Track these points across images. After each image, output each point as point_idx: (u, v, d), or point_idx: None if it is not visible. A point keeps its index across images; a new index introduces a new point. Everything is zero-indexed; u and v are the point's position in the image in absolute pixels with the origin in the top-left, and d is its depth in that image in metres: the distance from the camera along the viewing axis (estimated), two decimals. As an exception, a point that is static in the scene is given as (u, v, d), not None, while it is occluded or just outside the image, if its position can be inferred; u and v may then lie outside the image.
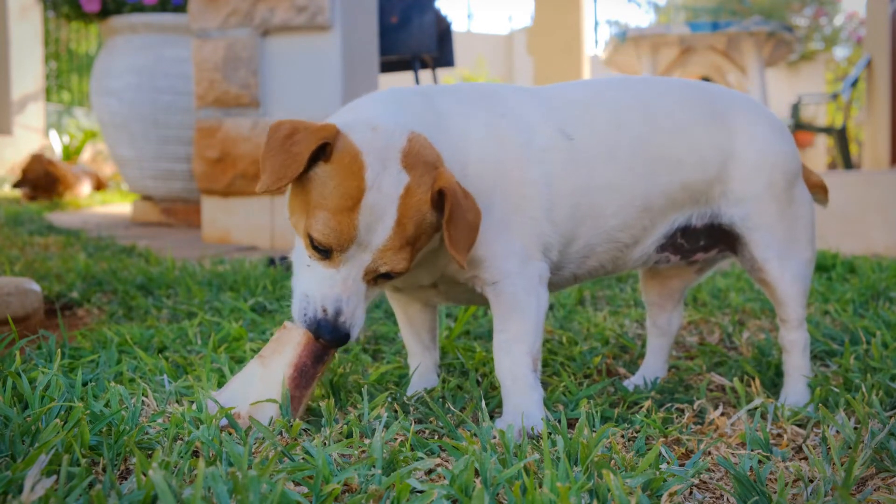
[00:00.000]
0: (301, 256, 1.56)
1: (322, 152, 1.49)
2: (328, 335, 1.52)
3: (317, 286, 1.53)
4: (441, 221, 1.55)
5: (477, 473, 1.35)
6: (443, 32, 6.23)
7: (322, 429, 1.56)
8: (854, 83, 8.75)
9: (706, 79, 8.90)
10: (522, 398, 1.65)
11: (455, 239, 1.49)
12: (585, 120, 1.76)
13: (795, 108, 9.98)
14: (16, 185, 8.49)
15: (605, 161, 1.74)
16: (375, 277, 1.54)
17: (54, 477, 1.17)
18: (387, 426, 1.57)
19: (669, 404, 1.83)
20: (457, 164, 1.60)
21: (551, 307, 2.92)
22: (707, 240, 1.90)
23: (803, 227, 1.87)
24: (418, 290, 1.80)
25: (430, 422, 1.65)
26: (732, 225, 1.84)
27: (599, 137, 1.75)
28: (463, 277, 1.71)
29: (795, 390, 1.88)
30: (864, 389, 1.78)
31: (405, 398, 1.78)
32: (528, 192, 1.67)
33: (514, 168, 1.67)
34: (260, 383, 1.60)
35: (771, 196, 1.82)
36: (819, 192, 2.00)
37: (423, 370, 1.94)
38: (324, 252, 1.50)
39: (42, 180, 8.48)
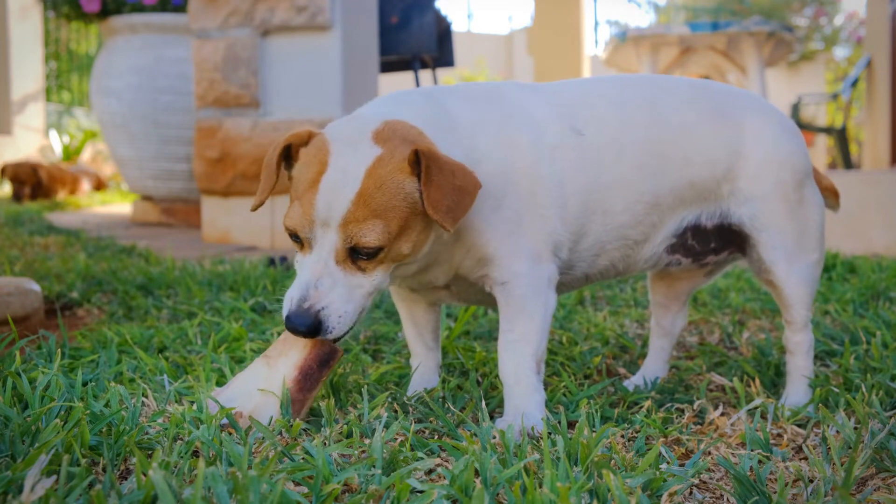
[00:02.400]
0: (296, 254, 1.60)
1: (292, 155, 1.57)
2: (292, 324, 1.49)
3: (295, 280, 1.55)
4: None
5: (477, 473, 1.35)
6: (443, 32, 6.23)
7: (322, 429, 1.56)
8: (854, 83, 8.75)
9: (706, 78, 8.90)
10: (524, 399, 1.65)
11: (434, 199, 1.45)
12: (594, 117, 1.76)
13: (795, 108, 9.98)
14: (15, 198, 8.47)
15: (615, 158, 1.74)
16: (352, 256, 1.50)
17: (54, 477, 1.17)
18: (387, 426, 1.56)
19: (669, 404, 1.83)
20: (467, 164, 1.60)
21: (551, 307, 2.92)
22: (717, 241, 1.89)
23: (813, 228, 1.85)
24: (432, 290, 1.80)
25: (430, 422, 1.65)
26: (741, 225, 1.84)
27: (608, 134, 1.75)
28: (473, 276, 1.71)
29: (797, 391, 1.88)
30: (864, 389, 1.78)
31: (405, 398, 1.78)
32: (539, 189, 1.67)
33: (525, 166, 1.67)
34: (264, 384, 1.60)
35: (780, 195, 1.81)
36: (829, 195, 1.98)
37: (424, 370, 1.93)
38: (296, 239, 1.53)
39: (29, 179, 8.46)
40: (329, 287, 1.50)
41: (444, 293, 1.81)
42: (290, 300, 1.52)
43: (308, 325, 1.49)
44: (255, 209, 1.56)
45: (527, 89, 1.79)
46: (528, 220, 1.66)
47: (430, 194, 1.46)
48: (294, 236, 1.53)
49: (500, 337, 1.70)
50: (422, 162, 1.47)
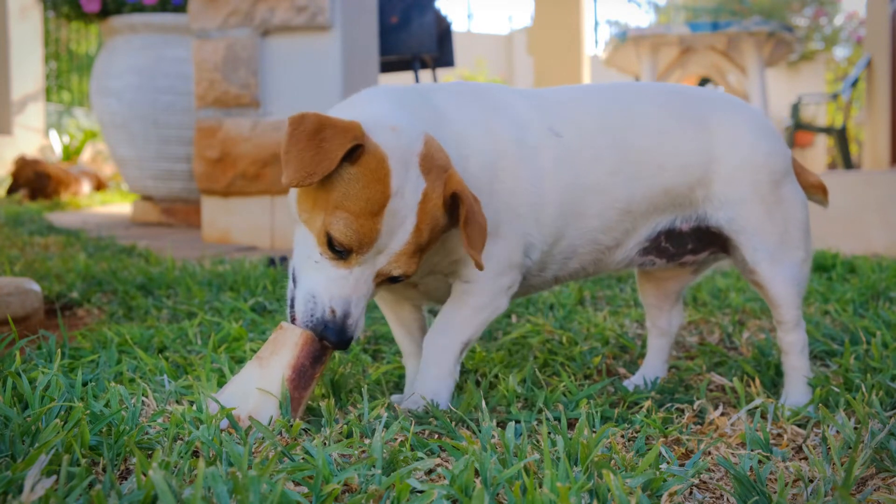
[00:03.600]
0: (309, 252, 1.55)
1: (351, 152, 1.48)
2: (334, 337, 1.52)
3: (325, 286, 1.52)
4: (448, 224, 1.57)
5: (477, 473, 1.35)
6: (443, 32, 6.23)
7: (322, 429, 1.56)
8: (854, 83, 8.75)
9: (706, 79, 8.90)
10: (436, 382, 1.71)
11: (472, 239, 1.51)
12: (573, 120, 1.78)
13: (795, 108, 9.98)
14: (10, 192, 8.49)
15: (591, 162, 1.76)
16: (382, 280, 1.56)
17: (54, 477, 1.17)
18: (387, 426, 1.56)
19: (669, 404, 1.83)
20: (458, 160, 1.62)
21: (551, 307, 2.92)
22: (695, 243, 1.89)
23: (795, 227, 1.84)
24: (399, 286, 1.80)
25: (430, 422, 1.65)
26: (720, 228, 1.83)
27: (586, 138, 1.77)
28: (446, 270, 1.73)
29: (796, 390, 1.88)
30: (863, 389, 1.78)
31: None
32: (519, 187, 1.70)
33: (509, 164, 1.69)
34: (258, 385, 1.59)
35: (757, 198, 1.81)
36: (817, 192, 1.97)
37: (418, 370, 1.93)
38: (340, 252, 1.51)
39: (34, 182, 8.48)
40: (364, 305, 1.55)
41: (413, 291, 1.82)
42: (323, 307, 1.52)
43: (345, 340, 1.53)
44: (291, 186, 1.45)
45: (513, 91, 1.81)
46: (505, 221, 1.69)
47: (469, 234, 1.51)
48: (338, 248, 1.50)
49: (437, 317, 1.75)
50: (462, 203, 1.52)
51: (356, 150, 1.48)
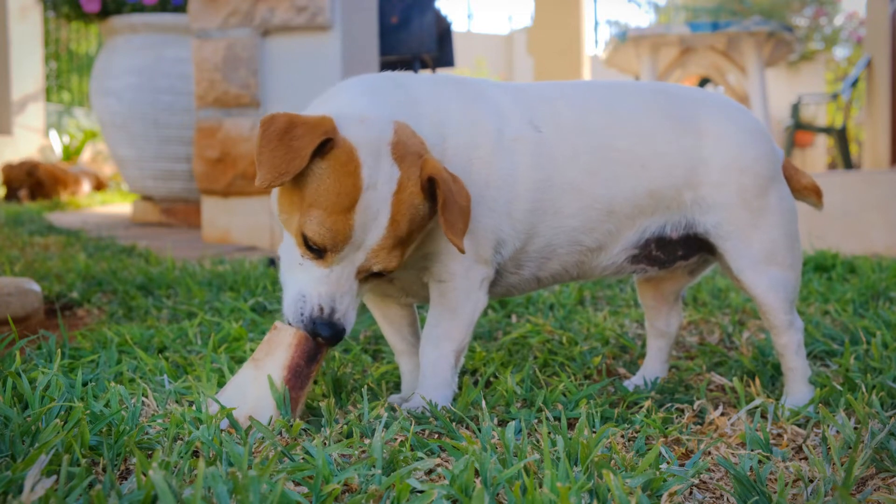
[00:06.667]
0: (293, 254, 1.56)
1: (321, 147, 1.48)
2: (326, 332, 1.53)
3: (312, 285, 1.53)
4: (432, 211, 1.56)
5: (477, 473, 1.35)
6: (443, 32, 6.23)
7: (322, 429, 1.56)
8: (854, 83, 8.75)
9: (706, 79, 8.90)
10: (435, 392, 1.71)
11: (451, 223, 1.49)
12: (553, 116, 1.76)
13: (795, 108, 9.97)
14: (7, 198, 8.49)
15: (568, 160, 1.74)
16: (367, 276, 1.56)
17: (54, 477, 1.17)
18: (387, 426, 1.56)
19: (669, 404, 1.83)
20: (435, 149, 1.62)
21: (551, 307, 2.92)
22: (685, 249, 1.87)
23: (781, 234, 1.81)
24: (377, 281, 1.79)
25: (430, 422, 1.65)
26: (707, 234, 1.81)
27: (564, 136, 1.75)
28: (416, 266, 1.73)
29: (796, 391, 1.87)
30: (864, 389, 1.78)
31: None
32: (493, 179, 1.68)
33: (487, 155, 1.68)
34: (255, 387, 1.59)
35: (742, 203, 1.78)
36: (811, 194, 1.95)
37: (413, 367, 1.92)
38: (317, 252, 1.51)
39: (28, 184, 8.48)
40: (350, 301, 1.55)
41: (391, 287, 1.81)
42: (311, 306, 1.53)
43: (336, 333, 1.54)
44: (263, 187, 1.45)
45: (494, 84, 1.81)
46: (477, 214, 1.67)
47: (447, 219, 1.49)
48: (314, 248, 1.51)
49: (424, 329, 1.75)
50: (438, 187, 1.50)
51: (326, 145, 1.47)
